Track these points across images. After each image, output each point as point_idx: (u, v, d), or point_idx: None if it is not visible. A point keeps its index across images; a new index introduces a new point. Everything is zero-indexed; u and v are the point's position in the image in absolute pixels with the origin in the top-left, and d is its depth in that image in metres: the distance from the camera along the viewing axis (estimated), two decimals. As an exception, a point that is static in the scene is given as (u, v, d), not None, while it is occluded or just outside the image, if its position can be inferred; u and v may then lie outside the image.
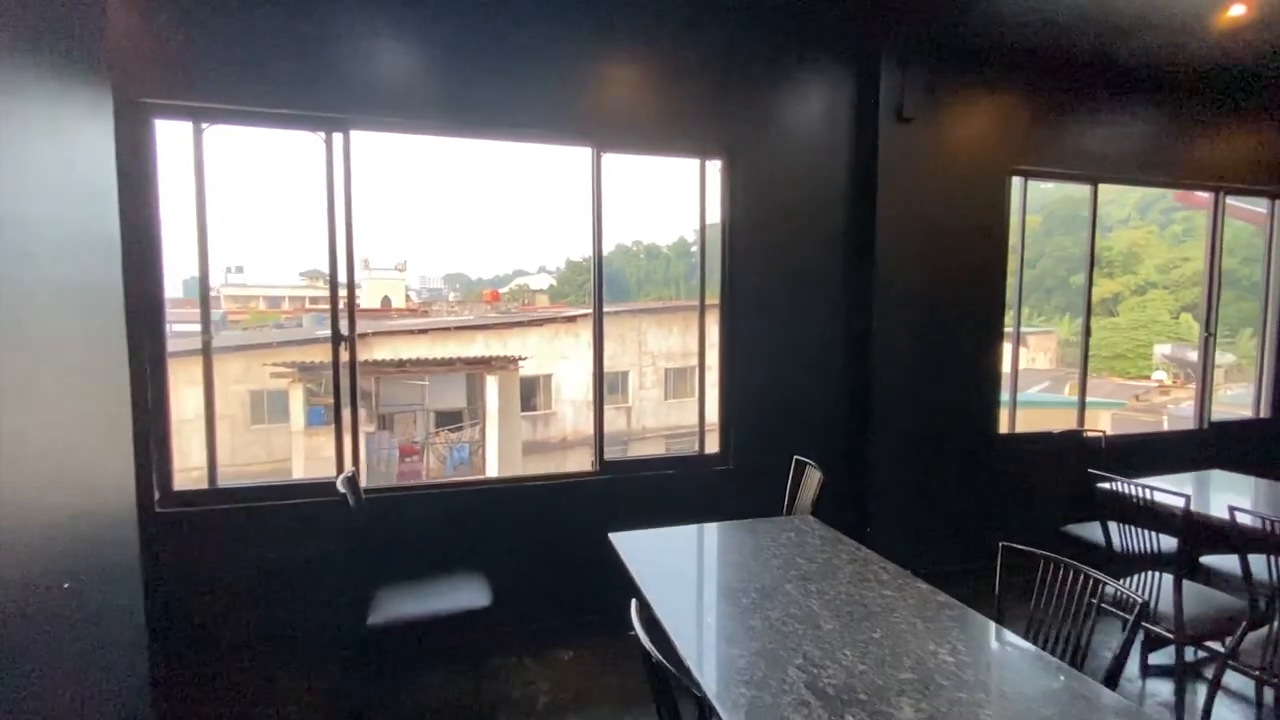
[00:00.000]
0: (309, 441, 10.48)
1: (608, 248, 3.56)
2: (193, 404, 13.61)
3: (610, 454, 3.60)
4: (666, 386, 22.63)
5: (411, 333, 19.21)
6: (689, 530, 2.58)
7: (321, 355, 17.81)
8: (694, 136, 3.62)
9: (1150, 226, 62.27)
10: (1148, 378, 41.91)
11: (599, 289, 3.57)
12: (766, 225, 3.83)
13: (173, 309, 3.18)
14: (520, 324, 20.75)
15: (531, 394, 19.32)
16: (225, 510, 3.00)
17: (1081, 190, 4.59)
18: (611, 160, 3.51)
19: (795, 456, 3.20)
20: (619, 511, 3.49)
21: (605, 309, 3.64)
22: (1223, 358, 45.70)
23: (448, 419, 12.81)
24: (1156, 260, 57.08)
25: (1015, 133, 4.15)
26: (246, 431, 18.22)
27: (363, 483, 3.02)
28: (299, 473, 10.63)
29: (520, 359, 12.43)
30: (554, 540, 3.41)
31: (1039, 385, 35.18)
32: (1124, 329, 51.75)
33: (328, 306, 3.20)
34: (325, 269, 3.19)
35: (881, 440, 3.94)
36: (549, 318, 21.30)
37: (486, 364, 11.46)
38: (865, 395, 3.93)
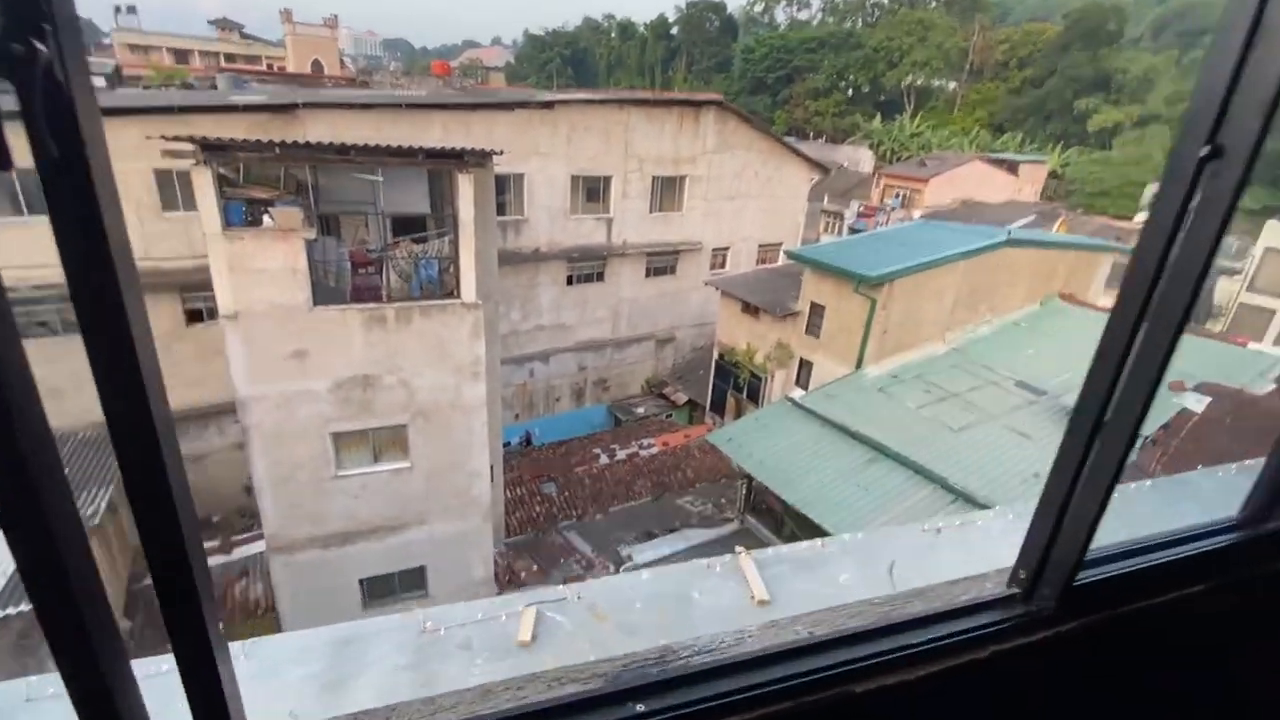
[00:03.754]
0: (232, 248, 8.06)
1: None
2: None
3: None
4: (652, 198, 20.06)
5: (353, 108, 15.56)
6: None
7: (240, 129, 14.24)
8: None
9: (1170, 51, 57.35)
10: (1130, 218, 41.24)
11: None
12: None
13: None
14: (487, 107, 17.18)
15: (499, 195, 16.58)
16: None
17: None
18: None
19: None
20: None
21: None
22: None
23: (406, 227, 10.36)
24: (1166, 90, 53.50)
25: None
26: (159, 220, 15.19)
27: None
28: (226, 295, 8.24)
29: (496, 153, 9.76)
30: None
31: (1023, 219, 33.92)
32: (1115, 164, 49.83)
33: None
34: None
35: None
36: (521, 101, 17.71)
37: (458, 159, 8.81)
38: None
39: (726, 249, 22.20)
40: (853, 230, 36.69)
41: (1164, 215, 0.74)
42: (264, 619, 11.95)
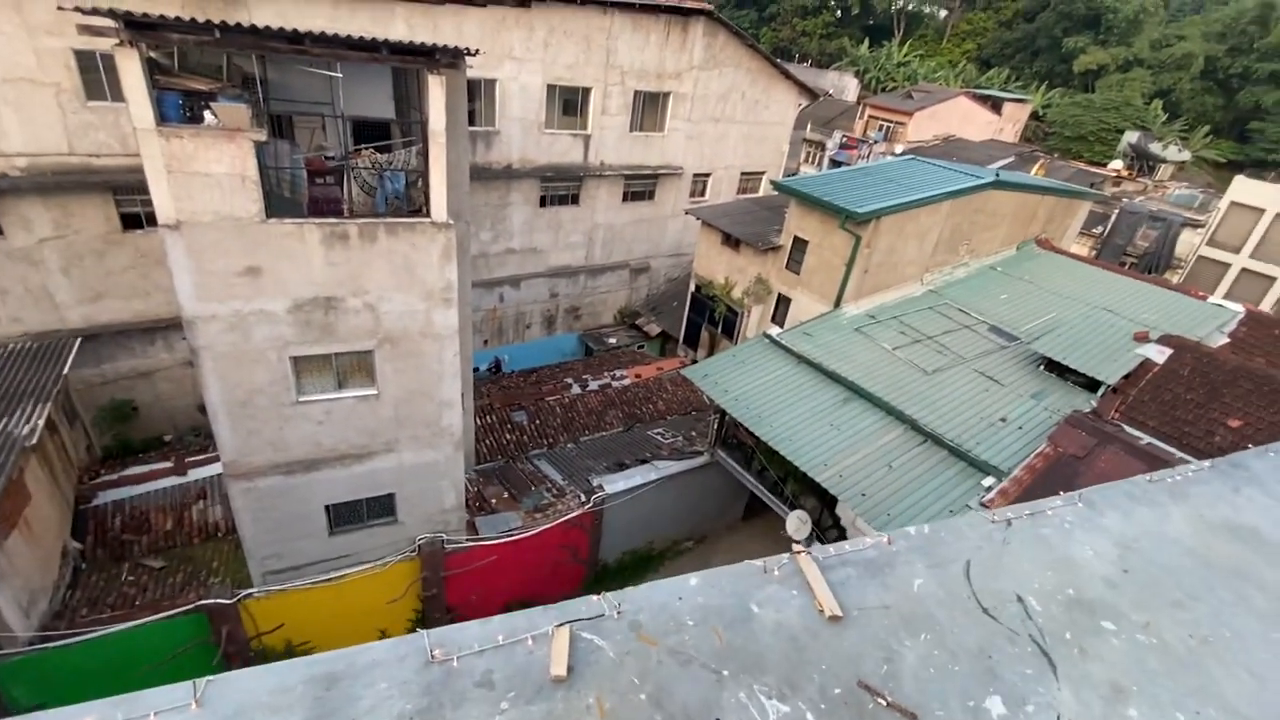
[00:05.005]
0: (170, 148, 7.11)
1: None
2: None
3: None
4: (633, 115, 18.88)
5: (304, -9, 13.78)
6: None
7: (173, 6, 12.50)
8: None
9: (1158, -10, 55.78)
10: (1104, 165, 41.31)
11: None
12: None
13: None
14: (456, 0, 15.53)
15: (468, 102, 15.33)
16: None
17: None
18: None
19: None
20: None
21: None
22: (1175, 154, 44.88)
23: (368, 134, 9.41)
24: (1152, 34, 52.54)
25: None
26: (84, 110, 13.53)
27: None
28: (165, 201, 7.33)
29: (471, 52, 8.76)
30: None
31: (1004, 160, 33.55)
32: (1095, 108, 49.37)
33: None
34: None
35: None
36: (494, -2, 16.05)
37: (429, 56, 7.85)
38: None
39: (708, 176, 21.32)
40: (834, 162, 35.76)
41: None
42: (225, 541, 11.67)
